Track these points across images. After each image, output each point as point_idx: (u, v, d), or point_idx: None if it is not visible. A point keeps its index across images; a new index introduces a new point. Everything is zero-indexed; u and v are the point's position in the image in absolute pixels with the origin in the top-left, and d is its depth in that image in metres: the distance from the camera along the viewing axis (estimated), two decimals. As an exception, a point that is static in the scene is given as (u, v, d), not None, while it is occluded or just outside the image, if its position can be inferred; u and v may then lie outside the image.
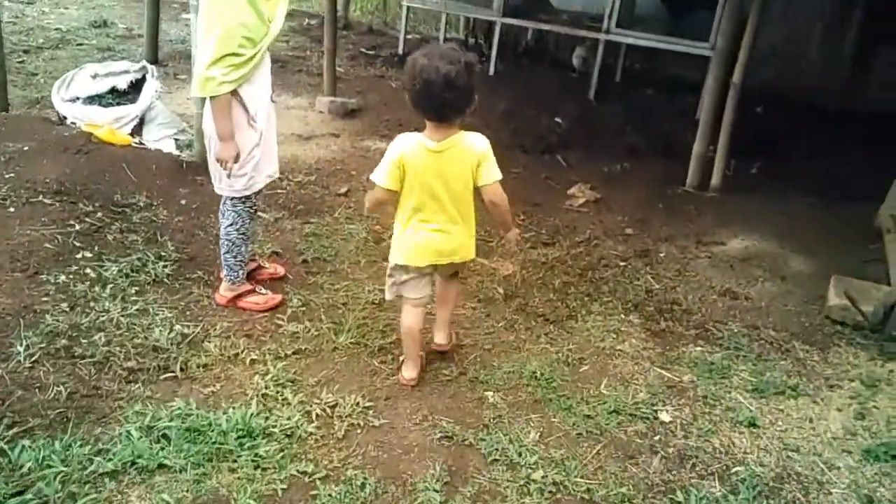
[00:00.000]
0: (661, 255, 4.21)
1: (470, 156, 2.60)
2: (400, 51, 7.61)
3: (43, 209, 3.69)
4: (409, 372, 2.95)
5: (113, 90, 4.88)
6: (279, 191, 4.52)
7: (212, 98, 2.88)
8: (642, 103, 6.96)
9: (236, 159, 3.01)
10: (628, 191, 5.08)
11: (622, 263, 4.09)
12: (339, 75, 6.85)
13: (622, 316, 3.58)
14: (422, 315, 2.92)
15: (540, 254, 4.14)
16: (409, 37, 8.64)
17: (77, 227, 3.63)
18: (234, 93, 2.92)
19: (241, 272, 3.32)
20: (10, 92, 5.55)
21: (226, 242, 3.24)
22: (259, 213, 4.13)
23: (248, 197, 3.18)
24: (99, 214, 3.79)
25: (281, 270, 3.65)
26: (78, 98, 4.77)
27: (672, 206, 4.87)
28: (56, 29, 7.19)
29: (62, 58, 6.49)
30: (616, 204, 4.87)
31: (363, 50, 7.74)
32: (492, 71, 7.29)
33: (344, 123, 5.77)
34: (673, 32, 6.79)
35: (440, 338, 3.10)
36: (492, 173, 2.65)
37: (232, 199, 3.17)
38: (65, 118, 4.72)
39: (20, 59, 6.34)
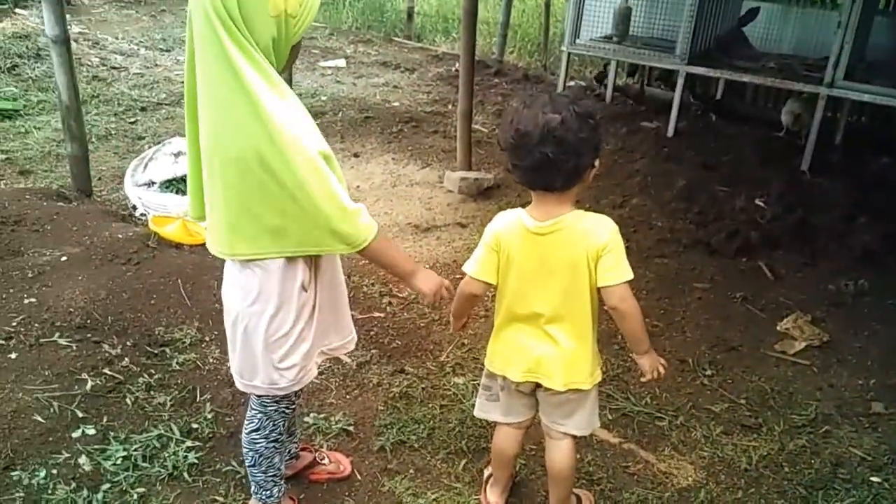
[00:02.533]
0: (941, 464, 2.67)
1: (586, 244, 1.93)
2: (558, 104, 6.36)
3: (53, 355, 2.81)
4: (493, 496, 2.41)
5: (197, 172, 4.03)
6: (375, 314, 3.43)
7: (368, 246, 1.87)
8: (876, 179, 5.24)
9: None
10: (868, 327, 3.51)
11: (874, 479, 2.58)
12: (479, 138, 5.76)
13: None
14: (518, 438, 2.31)
15: (738, 446, 2.73)
16: (571, 83, 7.40)
17: (88, 385, 2.71)
18: None
19: (275, 490, 2.21)
20: (108, 161, 4.95)
21: (251, 454, 2.14)
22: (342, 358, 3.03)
23: (285, 395, 2.08)
24: (126, 361, 2.86)
25: (346, 468, 2.52)
26: (153, 182, 3.96)
27: (944, 362, 3.26)
28: (182, 82, 6.61)
29: (178, 117, 5.85)
30: (852, 352, 3.33)
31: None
32: (670, 132, 5.85)
33: (476, 207, 4.61)
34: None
35: None
36: (619, 271, 1.94)
37: (261, 396, 2.08)
38: (135, 208, 3.91)
39: (133, 119, 5.77)
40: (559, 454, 2.22)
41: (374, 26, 9.81)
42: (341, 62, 7.64)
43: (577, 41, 6.04)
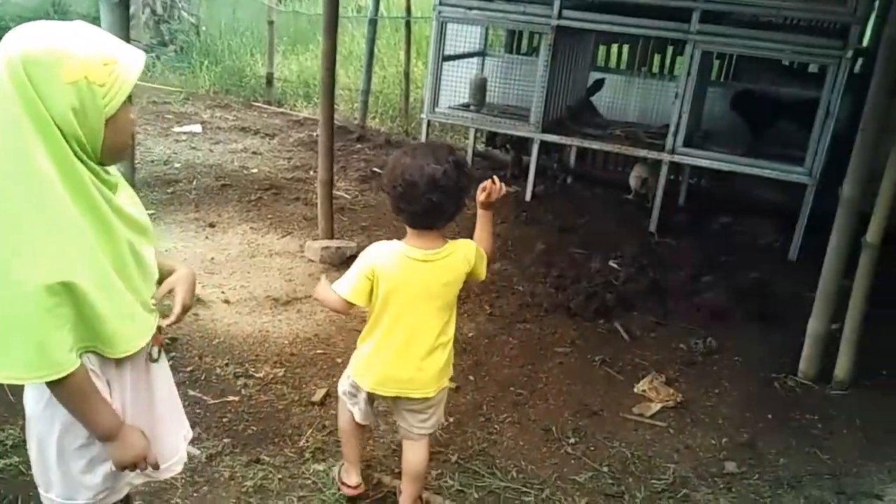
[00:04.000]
0: (791, 521, 2.77)
1: (465, 262, 2.31)
2: (420, 170, 6.41)
3: None
4: (351, 478, 2.65)
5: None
6: (229, 398, 3.22)
7: (57, 382, 1.54)
8: (717, 238, 5.60)
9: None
10: (719, 384, 3.67)
11: (732, 542, 2.65)
12: (342, 204, 5.70)
13: None
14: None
15: (602, 516, 2.72)
16: (433, 148, 7.50)
17: None
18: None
19: None
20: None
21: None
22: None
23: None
24: (-70, 472, 2.51)
25: (191, 578, 2.29)
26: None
27: (785, 416, 3.43)
28: None
29: None
30: (705, 411, 3.45)
31: (376, 169, 6.57)
32: (528, 196, 6.03)
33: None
34: (752, 149, 5.50)
35: None
36: (484, 258, 2.38)
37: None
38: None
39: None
40: (419, 453, 2.48)
41: (232, 91, 9.61)
42: (197, 127, 7.39)
43: (437, 109, 6.15)
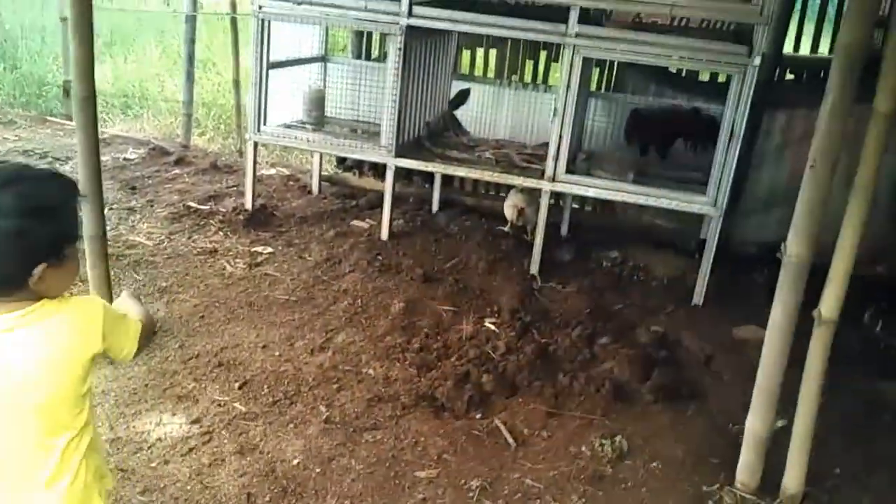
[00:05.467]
0: None
1: (82, 333, 1.48)
2: (248, 204, 5.13)
3: None
4: None
5: None
6: None
7: None
8: (608, 280, 4.69)
9: None
10: (637, 513, 2.70)
11: None
12: (140, 256, 4.40)
13: None
14: None
15: None
16: (272, 172, 6.26)
17: None
18: None
19: None
20: None
21: None
22: None
23: None
24: None
25: None
26: None
27: (733, 563, 2.50)
28: None
29: None
30: (626, 567, 2.46)
31: (192, 204, 5.23)
32: (384, 234, 4.90)
33: (114, 369, 3.22)
34: (643, 172, 4.64)
35: None
36: (130, 332, 1.60)
37: None
38: None
39: None
40: None
41: (30, 103, 7.93)
42: (-43, 153, 5.80)
43: (264, 128, 4.91)
